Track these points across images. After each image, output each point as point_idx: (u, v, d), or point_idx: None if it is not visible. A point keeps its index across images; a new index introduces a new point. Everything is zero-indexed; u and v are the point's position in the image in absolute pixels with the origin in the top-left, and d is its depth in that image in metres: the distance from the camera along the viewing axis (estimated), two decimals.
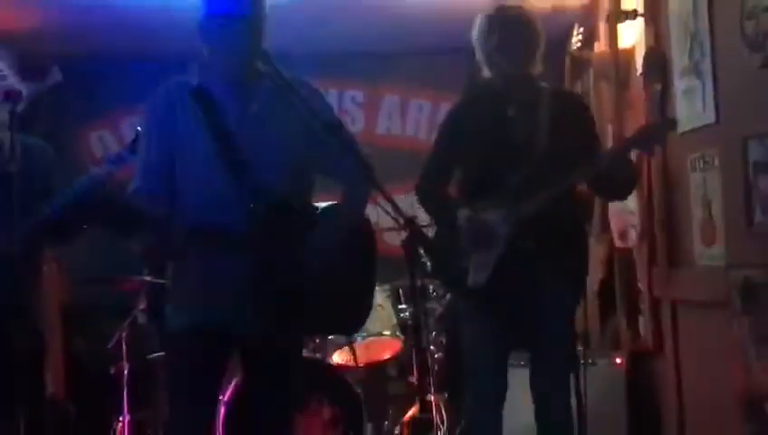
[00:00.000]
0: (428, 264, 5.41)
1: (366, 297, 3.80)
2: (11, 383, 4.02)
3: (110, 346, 5.99)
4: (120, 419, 5.77)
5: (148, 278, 6.04)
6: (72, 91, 5.17)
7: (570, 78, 6.89)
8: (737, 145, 4.14)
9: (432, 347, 6.03)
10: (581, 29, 6.29)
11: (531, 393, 4.24)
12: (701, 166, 4.60)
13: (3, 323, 3.93)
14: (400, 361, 6.25)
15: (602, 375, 5.18)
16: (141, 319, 6.09)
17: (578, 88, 6.87)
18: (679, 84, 4.81)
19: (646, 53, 5.19)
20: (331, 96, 7.33)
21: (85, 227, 3.87)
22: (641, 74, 5.27)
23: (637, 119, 5.40)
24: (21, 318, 3.99)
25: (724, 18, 4.31)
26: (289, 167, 3.54)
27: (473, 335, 4.29)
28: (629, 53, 5.61)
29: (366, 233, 3.76)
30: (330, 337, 5.95)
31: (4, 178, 3.89)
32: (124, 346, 5.91)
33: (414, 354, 5.87)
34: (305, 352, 5.48)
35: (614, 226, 5.81)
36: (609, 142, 5.83)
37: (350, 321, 3.81)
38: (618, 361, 5.51)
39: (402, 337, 6.13)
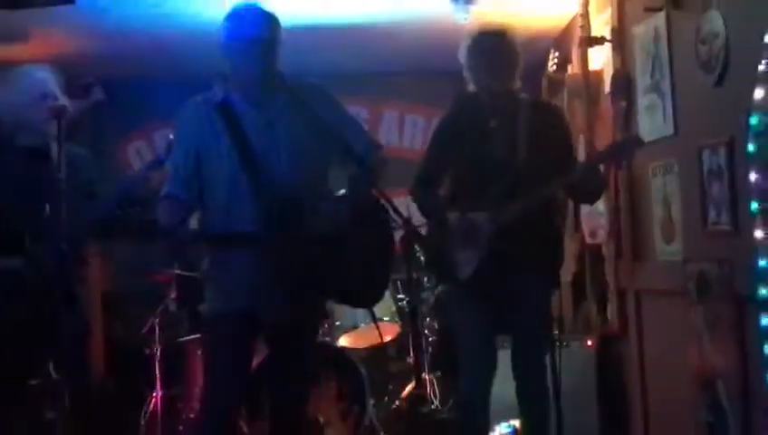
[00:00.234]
0: (422, 258, 5.41)
1: (383, 273, 3.79)
2: (60, 363, 4.03)
3: (144, 330, 5.99)
4: (154, 394, 5.76)
5: (177, 271, 6.04)
6: (112, 108, 5.17)
7: (546, 96, 6.88)
8: (693, 154, 4.12)
9: (426, 331, 6.03)
10: (557, 53, 6.28)
11: (512, 372, 4.23)
12: (661, 172, 4.59)
13: (55, 311, 3.92)
14: (399, 343, 6.23)
15: (575, 356, 5.16)
16: (172, 307, 6.08)
17: None
18: (642, 101, 4.80)
19: (613, 75, 5.17)
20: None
21: (125, 225, 3.86)
22: (609, 93, 5.26)
23: (606, 131, 5.39)
24: (70, 306, 3.99)
25: (682, 44, 4.30)
26: (304, 170, 3.54)
27: (463, 321, 4.28)
28: (599, 74, 5.59)
29: (382, 218, 3.70)
30: (337, 323, 5.96)
31: (54, 183, 3.89)
32: (157, 330, 5.90)
33: (411, 337, 5.87)
34: None
35: (585, 225, 5.80)
36: (581, 152, 5.83)
37: (370, 295, 3.78)
38: (589, 343, 5.50)
39: (400, 322, 6.12)
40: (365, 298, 3.82)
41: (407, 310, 5.96)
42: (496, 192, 4.04)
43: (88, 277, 4.17)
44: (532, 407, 4.21)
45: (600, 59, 5.56)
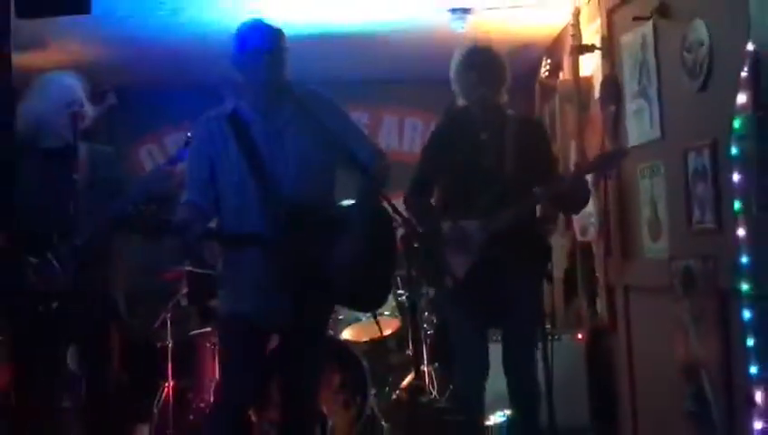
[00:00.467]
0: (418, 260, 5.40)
1: (387, 281, 3.83)
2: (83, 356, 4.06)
3: (156, 325, 5.99)
4: (165, 385, 5.77)
5: (188, 269, 6.05)
6: (126, 113, 5.19)
7: (539, 102, 6.89)
8: (679, 156, 4.13)
9: (425, 325, 6.03)
10: (549, 61, 6.29)
11: (503, 367, 4.24)
12: (649, 174, 4.60)
13: (87, 306, 3.94)
14: (399, 336, 6.23)
15: (566, 348, 5.17)
16: (183, 302, 6.08)
17: (546, 110, 6.86)
18: (630, 106, 4.81)
19: (602, 81, 5.18)
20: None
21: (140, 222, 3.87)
22: (599, 98, 5.27)
23: (596, 135, 5.40)
24: (84, 303, 4.02)
25: (668, 51, 4.32)
26: (311, 176, 3.55)
27: (456, 324, 4.30)
28: (589, 80, 5.60)
29: (387, 228, 3.73)
30: (340, 317, 5.96)
31: (75, 183, 3.93)
32: (168, 325, 5.90)
33: (410, 331, 5.87)
34: None
35: (576, 224, 5.80)
36: (572, 155, 5.84)
37: (374, 300, 3.82)
38: (579, 336, 5.51)
39: (400, 317, 6.12)
40: (369, 302, 3.85)
41: (406, 305, 5.96)
42: (486, 202, 4.06)
43: (116, 274, 4.15)
44: (523, 401, 4.22)
45: (591, 66, 5.57)
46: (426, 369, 5.84)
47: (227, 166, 3.52)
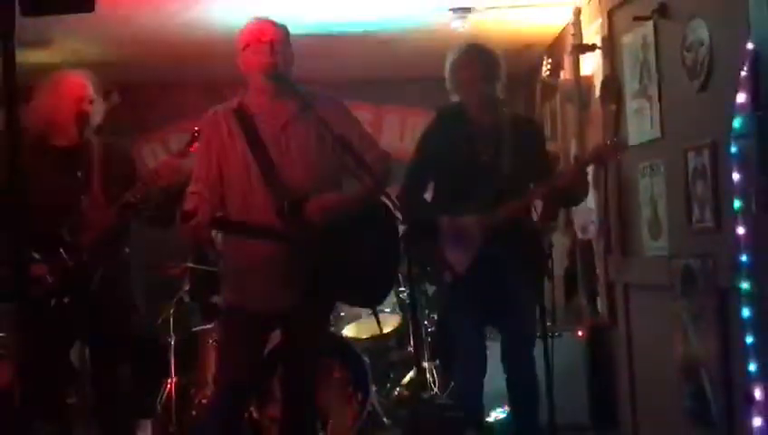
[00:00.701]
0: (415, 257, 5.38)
1: (387, 275, 3.82)
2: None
3: (160, 321, 5.99)
4: (168, 380, 5.77)
5: (191, 265, 6.05)
6: (129, 112, 5.18)
7: (540, 101, 6.90)
8: (679, 156, 4.13)
9: (426, 322, 6.03)
10: (550, 60, 6.29)
11: (502, 364, 4.24)
12: (649, 173, 4.59)
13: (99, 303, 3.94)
14: (400, 333, 6.22)
15: (567, 345, 5.16)
16: (186, 298, 6.08)
17: (547, 110, 6.87)
18: (631, 105, 4.80)
19: (603, 80, 5.18)
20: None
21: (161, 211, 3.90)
22: (599, 97, 5.27)
23: (596, 134, 5.40)
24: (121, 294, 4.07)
25: (668, 51, 4.31)
26: (315, 173, 3.56)
27: (455, 321, 4.30)
28: (590, 79, 5.60)
29: (389, 226, 3.73)
30: (342, 314, 5.96)
31: (87, 179, 3.95)
32: (171, 321, 5.90)
33: (411, 328, 5.87)
34: None
35: (577, 221, 5.81)
36: (572, 153, 5.84)
37: (374, 296, 3.82)
38: (579, 333, 5.50)
39: (401, 313, 6.13)
40: (369, 298, 3.86)
41: (407, 302, 5.96)
42: (483, 197, 4.06)
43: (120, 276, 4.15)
44: (522, 398, 4.22)
45: (591, 65, 5.57)
46: (426, 366, 5.84)
47: (234, 159, 3.54)
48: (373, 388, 5.56)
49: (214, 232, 5.94)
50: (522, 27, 6.28)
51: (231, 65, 3.67)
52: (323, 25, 6.04)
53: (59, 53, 6.20)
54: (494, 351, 4.28)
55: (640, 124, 4.65)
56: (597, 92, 5.36)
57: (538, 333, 4.23)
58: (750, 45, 3.35)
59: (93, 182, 3.97)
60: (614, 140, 4.61)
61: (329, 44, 6.35)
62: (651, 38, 4.49)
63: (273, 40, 3.53)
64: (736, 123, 3.36)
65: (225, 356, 3.71)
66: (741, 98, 3.34)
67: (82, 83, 4.09)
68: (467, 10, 5.78)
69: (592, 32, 5.43)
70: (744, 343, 3.32)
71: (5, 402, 3.91)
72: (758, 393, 3.25)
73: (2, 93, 2.62)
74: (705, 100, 3.92)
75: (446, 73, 4.25)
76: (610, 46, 5.10)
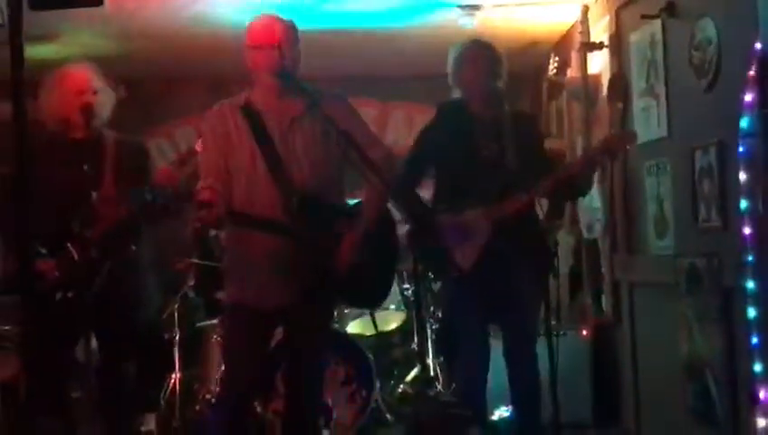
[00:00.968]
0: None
1: (387, 277, 3.83)
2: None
3: (164, 316, 6.00)
4: (173, 376, 5.78)
5: (196, 260, 6.06)
6: (135, 106, 5.18)
7: (547, 99, 6.89)
8: (686, 155, 4.13)
9: (430, 319, 6.03)
10: (557, 58, 6.28)
11: (504, 361, 4.24)
12: (655, 171, 4.59)
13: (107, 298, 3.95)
14: (404, 330, 6.23)
15: (571, 344, 5.16)
16: (190, 294, 6.10)
17: (553, 107, 6.85)
18: (638, 104, 4.80)
19: (610, 78, 5.18)
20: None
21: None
22: (606, 96, 5.27)
23: (603, 132, 5.39)
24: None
25: (676, 49, 4.31)
26: (321, 171, 3.57)
27: (459, 317, 4.29)
28: (597, 77, 5.59)
29: (389, 227, 3.77)
30: (346, 311, 5.96)
31: (99, 173, 3.96)
32: (176, 316, 5.91)
33: (415, 325, 5.87)
34: None
35: (582, 220, 5.81)
36: (579, 152, 5.84)
37: (373, 297, 3.85)
38: (584, 332, 5.50)
39: (405, 310, 6.13)
40: (368, 299, 3.88)
41: (411, 299, 5.97)
42: (488, 191, 4.05)
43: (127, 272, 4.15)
44: (524, 396, 4.22)
45: (598, 63, 5.56)
46: (430, 362, 5.84)
47: (240, 155, 3.55)
48: (377, 384, 5.57)
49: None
50: (529, 25, 6.28)
51: (237, 61, 3.67)
52: (330, 21, 6.04)
53: (66, 46, 6.21)
54: (497, 348, 4.28)
55: (647, 123, 4.65)
56: (604, 91, 5.36)
57: (541, 332, 4.23)
58: (758, 45, 3.35)
59: (105, 177, 3.97)
60: (624, 131, 4.60)
61: (335, 40, 6.35)
62: (659, 36, 4.49)
63: (280, 38, 3.52)
64: (743, 123, 3.36)
65: (230, 352, 3.72)
66: (748, 97, 3.34)
67: (85, 75, 4.10)
68: (475, 7, 5.77)
69: (600, 30, 5.43)
70: (750, 342, 3.32)
71: (11, 396, 3.93)
72: (763, 393, 3.25)
73: (9, 87, 2.64)
74: (712, 99, 3.92)
75: (449, 69, 4.25)
76: (618, 44, 5.10)
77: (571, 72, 6.16)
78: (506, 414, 4.98)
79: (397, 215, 3.94)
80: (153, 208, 3.71)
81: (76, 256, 3.88)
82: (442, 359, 5.92)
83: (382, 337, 6.17)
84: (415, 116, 7.98)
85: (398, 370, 6.18)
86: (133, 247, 4.14)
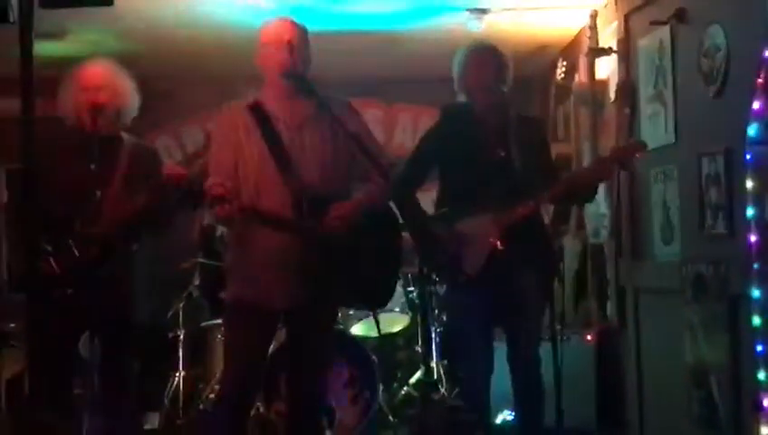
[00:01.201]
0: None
1: (390, 279, 3.82)
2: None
3: (169, 315, 6.02)
4: (177, 374, 5.80)
5: (201, 260, 6.08)
6: (141, 105, 5.18)
7: (554, 103, 6.90)
8: (693, 161, 4.13)
9: (435, 322, 6.04)
10: (565, 63, 6.28)
11: (508, 365, 4.24)
12: (662, 178, 4.59)
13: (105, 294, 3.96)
14: (408, 333, 6.24)
15: (576, 349, 5.16)
16: (195, 293, 6.11)
17: (561, 112, 6.86)
18: (645, 110, 4.80)
19: (618, 84, 5.18)
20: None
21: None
22: (614, 101, 5.27)
23: (610, 137, 5.40)
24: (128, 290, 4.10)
25: (685, 56, 4.31)
26: (328, 171, 3.58)
27: (465, 318, 4.28)
28: (604, 83, 5.60)
29: (392, 227, 3.77)
30: (350, 312, 5.97)
31: (108, 172, 3.97)
32: (181, 315, 5.93)
33: (419, 327, 5.88)
34: None
35: (589, 225, 5.81)
36: (586, 157, 5.84)
37: (377, 298, 3.83)
38: (589, 337, 5.50)
39: (410, 313, 6.14)
40: (370, 301, 3.89)
41: (416, 302, 5.98)
42: (495, 197, 4.05)
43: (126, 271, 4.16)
44: (528, 400, 4.22)
45: (607, 69, 5.57)
46: (434, 365, 5.85)
47: (249, 155, 3.55)
48: (380, 387, 5.58)
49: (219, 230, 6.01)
50: (537, 29, 6.28)
51: (245, 61, 3.68)
52: (339, 23, 6.05)
53: (76, 44, 6.23)
54: (501, 352, 4.28)
55: (655, 129, 4.65)
56: (611, 96, 5.36)
57: (546, 336, 4.23)
58: (767, 53, 3.34)
59: (115, 177, 3.98)
60: (634, 141, 4.60)
61: (344, 42, 6.35)
62: (668, 43, 4.49)
63: (291, 39, 3.55)
64: (751, 130, 3.36)
65: (231, 351, 3.72)
66: (756, 105, 3.34)
67: (98, 74, 4.09)
68: (484, 11, 5.78)
69: (608, 35, 5.43)
70: (754, 350, 3.32)
71: (18, 392, 3.94)
72: (767, 401, 3.25)
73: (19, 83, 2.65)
74: (720, 106, 3.92)
75: (454, 72, 4.23)
76: (626, 50, 5.09)
77: (579, 77, 6.16)
78: (510, 418, 4.99)
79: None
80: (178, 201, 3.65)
81: (77, 254, 3.89)
82: (446, 362, 5.93)
83: (386, 339, 6.17)
84: (421, 119, 7.98)
85: (402, 372, 6.18)
86: (135, 247, 4.14)
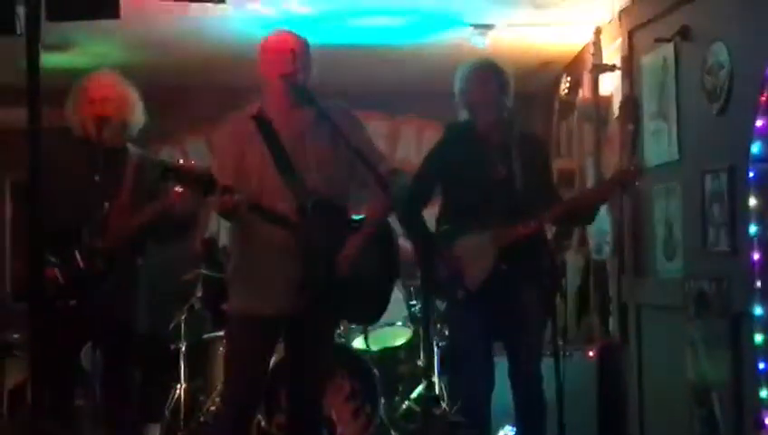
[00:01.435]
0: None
1: (384, 294, 3.80)
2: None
3: (171, 327, 6.02)
4: (178, 386, 5.79)
5: (203, 271, 6.08)
6: (147, 116, 5.18)
7: (558, 119, 6.91)
8: (696, 178, 4.14)
9: (437, 337, 6.03)
10: (569, 79, 6.30)
11: (510, 381, 4.24)
12: (665, 194, 4.60)
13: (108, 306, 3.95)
14: (410, 346, 6.23)
15: (578, 365, 5.16)
16: (197, 305, 6.11)
17: (564, 128, 6.87)
18: (649, 126, 4.81)
19: (622, 100, 5.19)
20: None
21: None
22: (618, 117, 5.28)
23: (613, 154, 5.40)
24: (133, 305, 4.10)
25: (688, 73, 4.32)
26: (329, 179, 3.60)
27: (465, 334, 4.28)
28: (608, 99, 5.61)
29: (388, 242, 3.76)
30: (352, 326, 5.96)
31: (113, 184, 3.98)
32: (183, 327, 5.93)
33: (421, 341, 5.88)
34: None
35: (591, 241, 5.81)
36: (590, 172, 5.85)
37: (370, 312, 3.83)
38: (591, 353, 5.49)
39: (412, 327, 6.13)
40: (361, 316, 3.92)
41: (418, 315, 5.97)
42: (498, 214, 4.05)
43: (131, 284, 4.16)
44: (529, 416, 4.21)
45: (610, 85, 5.58)
46: (435, 379, 5.84)
47: (252, 163, 3.56)
48: (382, 400, 5.57)
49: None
50: (541, 45, 6.29)
51: (249, 72, 3.70)
52: (344, 37, 6.06)
53: (82, 56, 6.25)
54: (502, 367, 4.28)
55: (658, 146, 4.66)
56: (615, 112, 5.37)
57: (548, 352, 4.23)
58: None
59: (122, 190, 3.99)
60: (636, 165, 4.61)
61: (348, 55, 6.37)
62: (671, 60, 4.50)
63: (293, 49, 3.59)
64: (755, 148, 3.37)
65: (233, 363, 3.72)
66: (760, 123, 3.35)
67: (104, 85, 4.10)
68: (488, 27, 5.79)
69: (612, 51, 5.44)
70: (756, 368, 3.32)
71: (20, 402, 3.93)
72: None
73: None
74: (723, 123, 3.93)
75: (456, 89, 4.24)
76: (630, 67, 5.11)
77: (583, 93, 6.18)
78: (511, 434, 4.98)
79: (401, 230, 3.95)
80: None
81: (82, 265, 3.90)
82: (447, 376, 5.91)
83: (388, 353, 6.17)
84: (425, 132, 8.00)
85: (404, 386, 6.17)
86: (140, 261, 4.15)
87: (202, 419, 5.57)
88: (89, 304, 3.88)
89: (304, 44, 3.65)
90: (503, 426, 4.95)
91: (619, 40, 5.28)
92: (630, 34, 5.11)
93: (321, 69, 3.71)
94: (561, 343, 4.46)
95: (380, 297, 3.79)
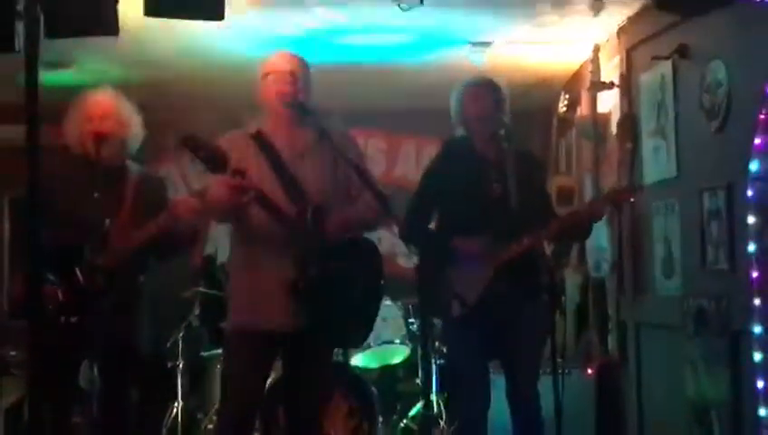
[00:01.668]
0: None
1: (369, 318, 3.79)
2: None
3: (168, 344, 6.00)
4: (176, 404, 5.78)
5: (202, 289, 6.07)
6: (145, 133, 5.19)
7: (556, 136, 6.92)
8: (694, 196, 4.15)
9: (435, 355, 6.02)
10: (567, 96, 6.32)
11: (507, 398, 4.23)
12: (663, 212, 4.60)
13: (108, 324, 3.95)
14: (408, 364, 6.22)
15: (576, 383, 5.15)
16: (195, 323, 6.10)
17: (562, 145, 6.88)
18: (647, 144, 4.82)
19: (620, 118, 5.20)
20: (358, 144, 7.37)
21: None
22: (616, 135, 5.29)
23: (611, 171, 5.41)
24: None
25: (686, 91, 4.34)
26: (329, 194, 3.62)
27: (461, 351, 4.27)
28: (606, 116, 5.62)
29: (376, 266, 3.76)
30: None
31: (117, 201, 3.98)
32: (180, 345, 5.91)
33: (420, 359, 5.87)
34: None
35: (590, 258, 5.81)
36: (588, 190, 5.85)
37: (354, 337, 3.84)
38: (589, 371, 5.49)
39: (410, 345, 6.12)
40: (347, 339, 3.92)
41: (417, 333, 5.97)
42: (494, 232, 4.05)
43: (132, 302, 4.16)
44: (526, 433, 4.20)
45: (609, 102, 5.59)
46: (434, 398, 5.82)
47: (254, 177, 3.54)
48: (380, 419, 5.56)
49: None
50: (540, 63, 6.31)
51: (248, 92, 3.72)
52: (342, 55, 6.08)
53: (81, 73, 6.26)
54: (500, 384, 4.27)
55: (656, 163, 4.67)
56: (613, 129, 5.38)
57: (547, 370, 4.22)
58: None
59: (123, 207, 3.98)
60: (632, 183, 4.62)
61: (347, 74, 6.39)
62: (670, 78, 4.52)
63: (293, 70, 3.62)
64: (753, 166, 3.38)
65: (231, 380, 3.72)
66: (758, 141, 3.36)
67: (102, 103, 4.10)
68: (486, 44, 5.81)
69: (611, 69, 5.46)
70: (755, 386, 3.32)
71: (17, 421, 3.92)
72: None
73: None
74: (721, 141, 3.94)
75: (452, 106, 4.25)
76: (628, 84, 5.13)
77: (581, 111, 6.19)
78: None
79: (400, 247, 3.95)
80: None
81: (82, 282, 3.89)
82: (446, 394, 5.90)
83: (386, 371, 6.16)
84: (424, 149, 8.00)
85: (402, 404, 6.16)
86: (141, 278, 4.14)
87: None
88: (89, 321, 3.87)
89: (304, 65, 3.69)
90: None
91: (618, 58, 5.30)
92: (629, 52, 5.13)
93: (321, 87, 3.73)
94: (559, 360, 4.45)
95: (366, 321, 3.78)
